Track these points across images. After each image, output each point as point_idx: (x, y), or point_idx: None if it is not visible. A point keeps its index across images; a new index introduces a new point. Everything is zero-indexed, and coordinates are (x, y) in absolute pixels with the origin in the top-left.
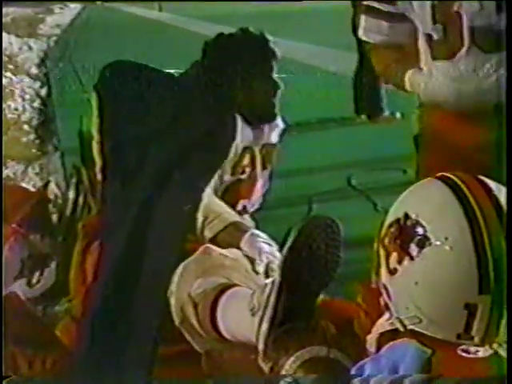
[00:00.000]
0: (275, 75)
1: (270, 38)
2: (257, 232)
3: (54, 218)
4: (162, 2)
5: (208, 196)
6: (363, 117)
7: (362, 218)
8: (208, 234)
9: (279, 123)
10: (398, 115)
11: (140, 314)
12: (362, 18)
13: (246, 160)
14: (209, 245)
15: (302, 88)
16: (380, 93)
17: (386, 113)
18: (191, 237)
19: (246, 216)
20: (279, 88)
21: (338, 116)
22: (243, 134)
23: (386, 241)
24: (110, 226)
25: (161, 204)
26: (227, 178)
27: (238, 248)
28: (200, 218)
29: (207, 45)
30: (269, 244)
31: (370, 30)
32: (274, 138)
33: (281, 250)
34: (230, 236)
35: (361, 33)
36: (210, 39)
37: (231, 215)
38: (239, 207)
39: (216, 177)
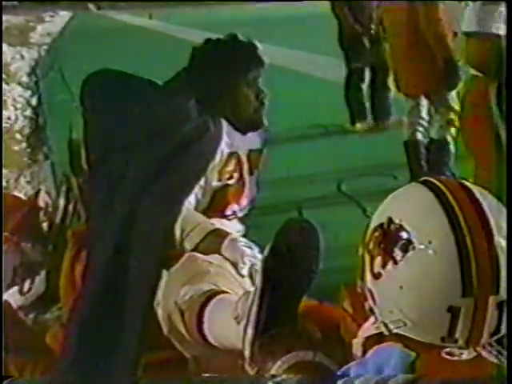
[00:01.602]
0: (262, 83)
1: (258, 45)
2: (235, 236)
3: (45, 226)
4: (152, 10)
5: (185, 209)
6: (358, 125)
7: (352, 224)
8: (188, 246)
9: (264, 129)
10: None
11: (125, 320)
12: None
13: (232, 165)
14: (193, 253)
15: (289, 94)
16: (389, 97)
17: (393, 117)
18: (171, 251)
19: (235, 221)
20: (266, 96)
21: (327, 123)
22: (229, 139)
23: (371, 245)
24: (95, 235)
25: (142, 215)
26: (214, 183)
27: (220, 254)
28: (178, 231)
29: (195, 50)
30: (250, 247)
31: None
32: (260, 143)
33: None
34: (210, 244)
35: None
36: (198, 45)
37: (208, 224)
38: (228, 212)
39: (202, 182)
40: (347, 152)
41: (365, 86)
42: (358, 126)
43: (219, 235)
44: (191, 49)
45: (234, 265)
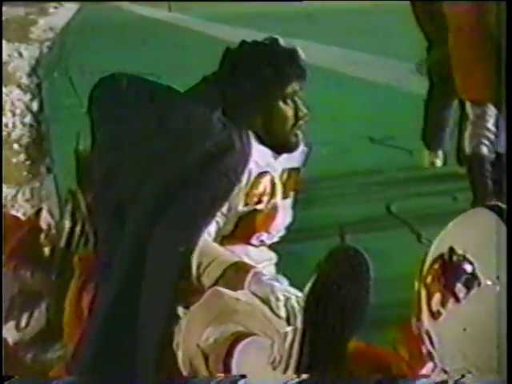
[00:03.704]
0: (300, 98)
1: (302, 54)
2: (259, 270)
3: (47, 250)
4: (171, 2)
5: (203, 239)
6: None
7: (405, 252)
8: (207, 281)
9: (303, 146)
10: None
11: (136, 364)
12: None
13: (262, 187)
14: (218, 287)
15: (329, 99)
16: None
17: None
18: (186, 285)
19: (264, 248)
20: (306, 116)
21: (375, 134)
22: (259, 156)
23: (429, 279)
24: (102, 263)
25: (155, 244)
26: (240, 208)
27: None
28: (194, 264)
29: (228, 52)
30: (277, 281)
31: None
32: (297, 161)
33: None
34: (231, 280)
35: None
36: (232, 46)
37: (228, 256)
38: (254, 241)
39: (225, 208)
40: (396, 166)
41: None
42: (432, 160)
43: (241, 269)
44: (223, 50)
45: (266, 302)
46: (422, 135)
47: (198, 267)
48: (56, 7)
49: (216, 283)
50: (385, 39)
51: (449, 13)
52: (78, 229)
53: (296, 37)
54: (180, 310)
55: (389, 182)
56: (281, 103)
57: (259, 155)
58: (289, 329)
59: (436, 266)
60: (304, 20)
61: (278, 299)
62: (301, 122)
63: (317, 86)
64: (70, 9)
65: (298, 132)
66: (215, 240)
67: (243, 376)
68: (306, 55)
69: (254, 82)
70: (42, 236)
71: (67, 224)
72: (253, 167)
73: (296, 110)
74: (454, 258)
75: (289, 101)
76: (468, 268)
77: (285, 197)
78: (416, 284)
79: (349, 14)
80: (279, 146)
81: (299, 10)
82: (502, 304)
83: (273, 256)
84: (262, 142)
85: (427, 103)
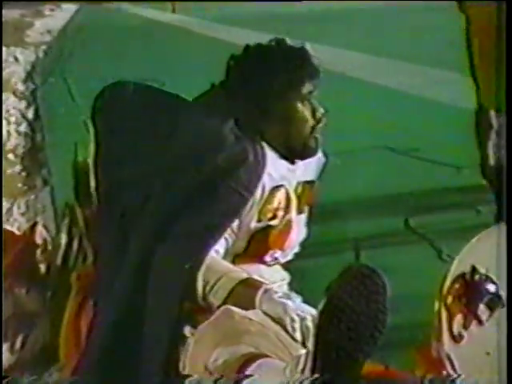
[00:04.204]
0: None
1: (312, 52)
2: (270, 286)
3: (42, 267)
4: (176, 2)
5: (209, 257)
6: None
7: (424, 270)
8: (214, 300)
9: (320, 156)
10: None
11: None
12: None
13: (276, 202)
14: (229, 306)
15: (344, 107)
16: None
17: None
18: (193, 304)
19: (277, 266)
20: (324, 115)
21: (394, 143)
22: (273, 169)
23: (449, 300)
24: (103, 281)
25: (159, 261)
26: (253, 225)
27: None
28: (200, 282)
29: (233, 59)
30: (290, 299)
31: None
32: (313, 173)
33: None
34: (240, 298)
35: None
36: (237, 53)
37: (236, 273)
38: (268, 258)
39: (235, 225)
40: (418, 179)
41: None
42: None
43: (250, 286)
44: (229, 58)
45: (279, 323)
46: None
47: (205, 285)
48: (53, 9)
49: (224, 302)
50: (405, 42)
51: (472, 14)
52: (75, 244)
53: (305, 39)
54: (187, 330)
55: (407, 194)
56: (299, 105)
57: (273, 168)
58: (303, 351)
59: (457, 286)
60: (313, 21)
61: (292, 320)
62: (320, 124)
63: (330, 92)
64: (68, 10)
65: (317, 135)
66: (226, 259)
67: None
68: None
69: (267, 88)
70: (38, 252)
71: (64, 239)
72: (266, 181)
73: (313, 110)
74: (476, 277)
75: (306, 102)
76: (491, 288)
77: (299, 212)
78: (436, 304)
79: (363, 15)
80: (299, 151)
81: (308, 10)
82: None
83: (286, 276)
84: (277, 151)
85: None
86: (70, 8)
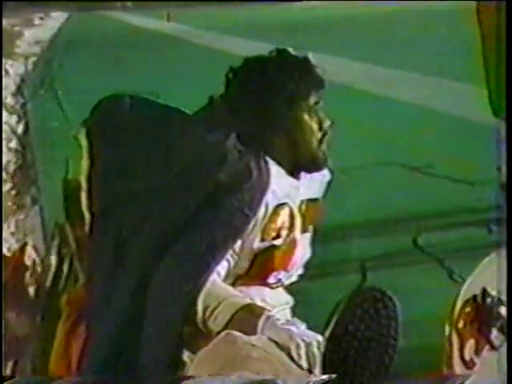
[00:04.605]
0: (322, 110)
1: (315, 62)
2: (272, 313)
3: (32, 290)
4: (171, 10)
5: (211, 281)
6: None
7: (433, 291)
8: (214, 326)
9: (325, 173)
10: None
11: None
12: None
13: (280, 221)
14: (231, 331)
15: (350, 121)
16: None
17: None
18: (192, 329)
19: (280, 289)
20: (331, 126)
21: (400, 159)
22: (277, 186)
23: (460, 324)
24: (97, 305)
25: (157, 284)
26: (256, 244)
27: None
28: (200, 306)
29: (232, 72)
30: (293, 325)
31: None
32: (317, 190)
33: (322, 334)
34: (241, 325)
35: None
36: (236, 66)
37: (237, 298)
38: (272, 279)
39: (238, 245)
40: (427, 196)
41: None
42: None
43: (251, 312)
44: (227, 70)
45: (284, 349)
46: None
47: (205, 310)
48: (42, 17)
49: (225, 328)
50: (416, 52)
51: (484, 19)
52: (65, 266)
53: (307, 48)
54: (186, 355)
55: (415, 211)
56: (305, 116)
57: (277, 184)
58: (311, 378)
59: (468, 309)
60: (318, 30)
61: (298, 346)
62: (327, 136)
63: (336, 105)
64: (57, 19)
65: (325, 148)
66: (227, 280)
67: None
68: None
69: (270, 100)
70: (27, 274)
71: (54, 261)
72: (270, 198)
73: (320, 122)
74: (488, 300)
75: (312, 113)
76: (504, 312)
77: (304, 231)
78: (446, 328)
79: (371, 23)
80: (306, 164)
81: (309, 18)
82: None
83: (289, 300)
84: (283, 165)
85: None
86: (60, 16)
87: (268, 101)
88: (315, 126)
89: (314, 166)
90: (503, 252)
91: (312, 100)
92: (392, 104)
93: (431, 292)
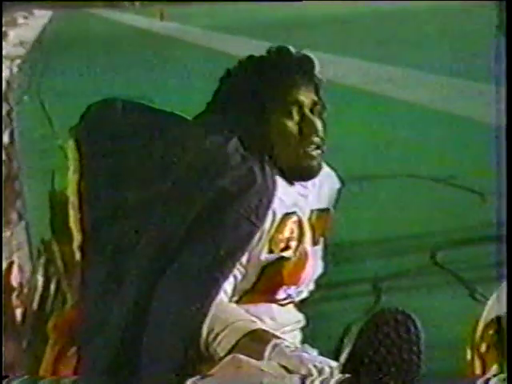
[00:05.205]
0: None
1: (315, 61)
2: (280, 341)
3: (18, 314)
4: (164, 9)
5: (216, 300)
6: None
7: (453, 311)
8: (218, 350)
9: (334, 181)
10: None
11: None
12: None
13: (289, 231)
14: (238, 355)
15: (365, 128)
16: None
17: None
18: (192, 353)
19: (291, 307)
20: (313, 131)
21: (418, 170)
22: (283, 192)
23: (483, 347)
24: (90, 326)
25: (157, 305)
26: (264, 256)
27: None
28: (205, 329)
29: (227, 74)
30: (303, 351)
31: None
32: (326, 200)
33: (336, 359)
34: (246, 352)
35: None
36: (231, 67)
37: (245, 323)
38: (281, 295)
39: (245, 258)
40: (447, 209)
41: None
42: None
43: (258, 339)
44: (223, 73)
45: (298, 375)
46: None
47: (209, 333)
48: (26, 17)
49: (228, 353)
50: (428, 50)
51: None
52: (52, 286)
53: (312, 48)
54: (189, 382)
55: (434, 225)
56: (298, 119)
57: (284, 192)
58: None
59: (491, 332)
60: (321, 27)
61: (310, 373)
62: (312, 140)
63: (346, 109)
64: (41, 17)
65: (314, 154)
66: (233, 296)
67: None
68: (327, 71)
69: (268, 102)
70: (14, 296)
71: (40, 281)
72: (277, 206)
73: (300, 124)
74: None
75: (293, 112)
76: None
77: (314, 243)
78: (468, 352)
79: (380, 20)
80: (290, 172)
81: (310, 15)
82: None
83: (300, 318)
84: (282, 172)
85: None
86: (44, 15)
87: (265, 103)
88: (294, 128)
89: (298, 175)
90: None
91: (294, 96)
92: (409, 107)
93: (451, 313)
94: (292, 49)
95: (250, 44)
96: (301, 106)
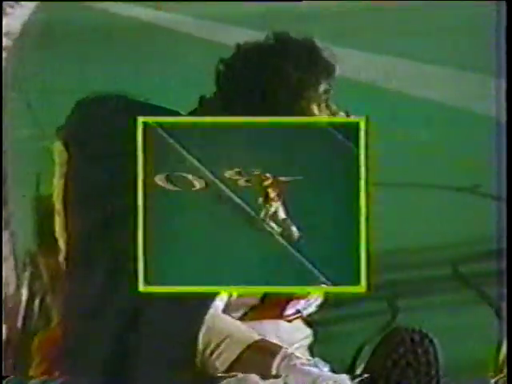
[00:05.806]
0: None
1: (321, 45)
2: (290, 351)
3: (4, 331)
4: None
5: (212, 310)
6: None
7: (475, 330)
8: (218, 366)
9: None
10: None
11: None
12: None
13: None
14: (245, 374)
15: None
16: None
17: None
18: (187, 372)
19: (299, 322)
20: (348, 117)
21: (435, 179)
22: None
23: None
24: (77, 345)
25: (151, 315)
26: None
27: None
28: (200, 346)
29: (223, 63)
30: (315, 365)
31: None
32: None
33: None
34: (251, 365)
35: None
36: (227, 56)
37: (245, 333)
38: (290, 310)
39: None
40: (470, 218)
41: None
42: None
43: (264, 350)
44: (217, 62)
45: None
46: None
47: (205, 348)
48: (12, 6)
49: (230, 369)
50: (440, 42)
51: None
52: (36, 302)
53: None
54: None
55: (456, 236)
56: (313, 107)
57: None
58: None
59: None
60: (321, 17)
61: None
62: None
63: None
64: (27, 8)
65: None
66: (236, 313)
67: None
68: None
69: (271, 92)
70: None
71: (24, 296)
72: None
73: (333, 113)
74: None
75: (322, 104)
76: None
77: None
78: (490, 374)
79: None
80: None
81: (315, 8)
82: None
83: (309, 334)
84: None
85: None
86: (30, 4)
87: (268, 93)
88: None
89: None
90: None
91: (321, 88)
92: (418, 104)
93: (473, 332)
94: (293, 35)
95: (246, 34)
96: (326, 94)
